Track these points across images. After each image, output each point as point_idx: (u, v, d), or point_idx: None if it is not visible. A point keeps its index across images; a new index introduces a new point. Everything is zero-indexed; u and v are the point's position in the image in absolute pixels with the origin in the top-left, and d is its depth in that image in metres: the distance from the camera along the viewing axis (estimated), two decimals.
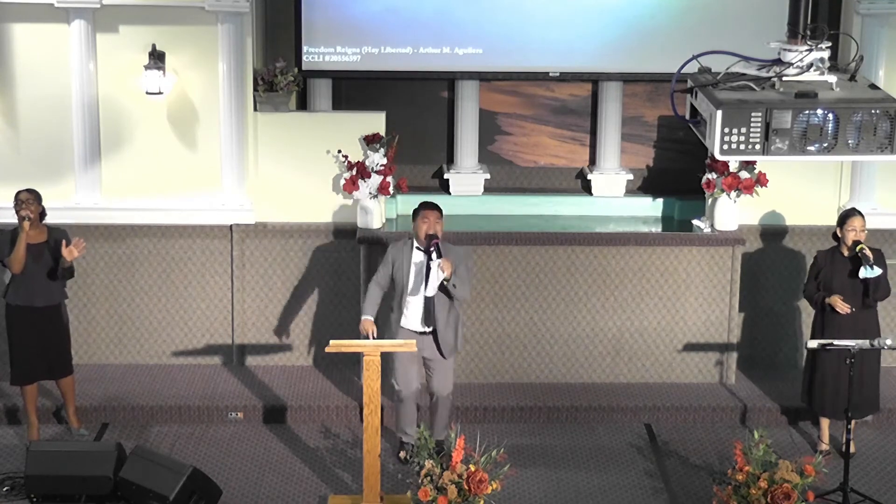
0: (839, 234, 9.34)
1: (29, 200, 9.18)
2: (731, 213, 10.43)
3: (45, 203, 9.38)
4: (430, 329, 9.05)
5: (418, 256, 9.00)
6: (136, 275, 10.54)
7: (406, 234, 9.38)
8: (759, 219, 10.65)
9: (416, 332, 9.05)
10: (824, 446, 9.50)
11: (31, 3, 10.07)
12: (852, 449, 9.40)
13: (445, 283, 8.87)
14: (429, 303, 8.98)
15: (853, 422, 8.94)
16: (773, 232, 10.65)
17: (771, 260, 10.67)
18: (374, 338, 8.81)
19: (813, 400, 9.46)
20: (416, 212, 9.07)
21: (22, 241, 9.11)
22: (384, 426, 9.15)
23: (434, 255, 8.84)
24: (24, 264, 9.14)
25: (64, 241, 9.18)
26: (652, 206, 11.08)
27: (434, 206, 9.06)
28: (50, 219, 9.46)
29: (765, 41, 6.54)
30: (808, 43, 6.31)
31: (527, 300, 10.38)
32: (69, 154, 10.34)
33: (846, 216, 9.32)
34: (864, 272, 9.09)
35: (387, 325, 9.23)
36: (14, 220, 9.20)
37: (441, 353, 9.09)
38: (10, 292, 9.32)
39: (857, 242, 9.19)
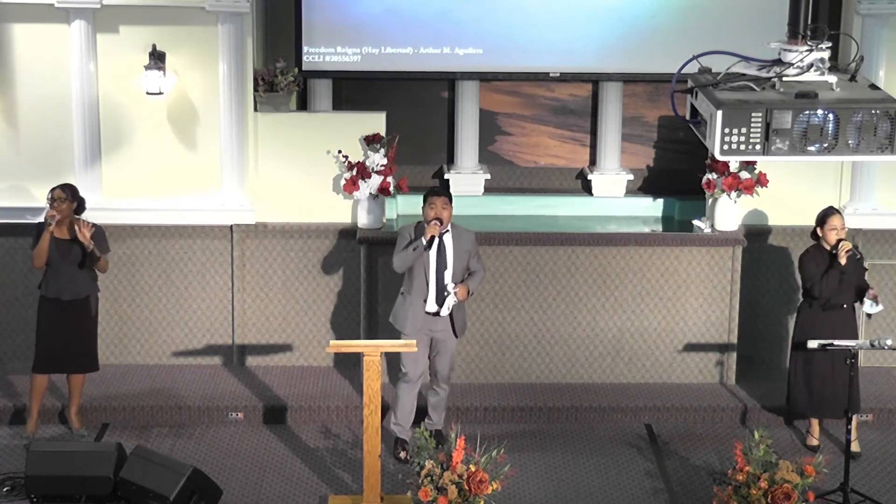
0: (819, 234, 9.34)
1: (60, 199, 9.31)
2: (732, 213, 10.42)
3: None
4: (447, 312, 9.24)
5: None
6: (136, 275, 10.54)
7: (417, 221, 9.37)
8: (760, 219, 10.65)
9: (430, 313, 9.21)
10: (814, 441, 9.52)
11: (31, 3, 10.07)
12: (857, 448, 9.42)
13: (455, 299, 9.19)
14: (442, 290, 9.15)
15: (854, 419, 8.95)
16: (773, 232, 10.64)
17: (771, 260, 10.67)
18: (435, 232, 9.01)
19: (803, 402, 9.47)
20: (424, 198, 9.22)
21: (44, 239, 9.26)
22: (384, 426, 9.16)
23: (448, 292, 9.12)
24: (45, 260, 9.29)
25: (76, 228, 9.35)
26: (652, 207, 11.08)
27: (440, 192, 9.25)
28: None
29: (765, 41, 6.55)
30: (809, 43, 6.31)
31: (527, 300, 10.38)
32: (69, 154, 10.34)
33: (825, 215, 9.33)
34: (867, 307, 9.05)
35: (401, 307, 9.32)
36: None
37: (454, 332, 9.27)
38: (43, 284, 9.46)
39: (840, 240, 9.22)
